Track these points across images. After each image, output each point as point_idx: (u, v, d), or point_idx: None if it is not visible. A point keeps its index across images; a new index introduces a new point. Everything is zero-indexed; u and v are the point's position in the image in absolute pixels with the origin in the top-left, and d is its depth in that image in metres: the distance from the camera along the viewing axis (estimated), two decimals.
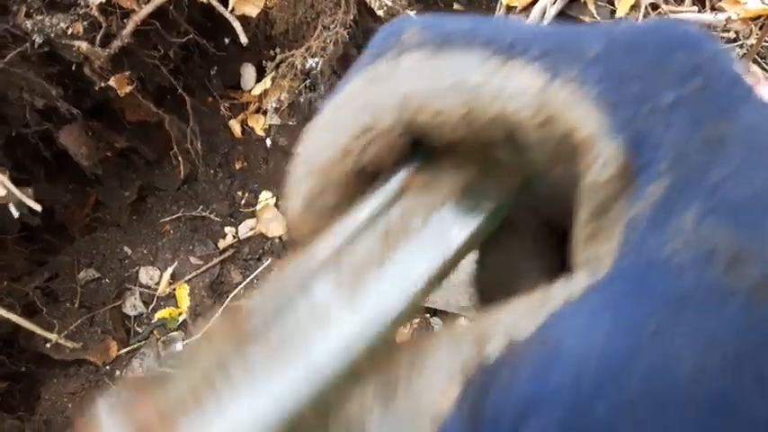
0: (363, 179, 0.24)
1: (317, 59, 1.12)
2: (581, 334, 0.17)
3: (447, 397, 0.20)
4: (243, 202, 1.58)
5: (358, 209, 0.24)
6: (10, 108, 1.21)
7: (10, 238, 1.32)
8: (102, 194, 1.49)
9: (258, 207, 1.56)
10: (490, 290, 0.26)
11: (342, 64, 1.24)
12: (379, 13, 1.12)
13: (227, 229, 1.53)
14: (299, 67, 1.15)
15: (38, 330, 1.32)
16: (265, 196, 1.57)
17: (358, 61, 0.23)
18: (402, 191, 0.25)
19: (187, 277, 1.47)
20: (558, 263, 0.24)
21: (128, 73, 1.28)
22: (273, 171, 1.57)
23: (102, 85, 1.26)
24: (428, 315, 1.37)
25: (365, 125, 0.23)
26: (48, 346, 1.34)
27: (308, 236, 0.24)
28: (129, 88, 1.28)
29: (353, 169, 0.24)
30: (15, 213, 1.15)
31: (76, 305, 1.40)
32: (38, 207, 1.14)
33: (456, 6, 1.30)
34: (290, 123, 1.54)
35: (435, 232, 0.24)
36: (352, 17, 1.13)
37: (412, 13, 1.09)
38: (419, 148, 0.24)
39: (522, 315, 0.20)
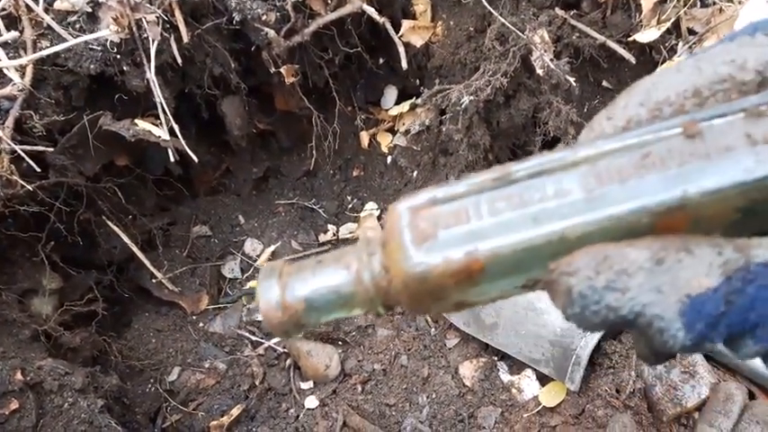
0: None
1: (471, 97, 1.22)
2: None
3: (705, 281, 0.27)
4: (350, 206, 1.69)
5: (635, 133, 0.29)
6: (192, 68, 1.37)
7: (151, 177, 1.47)
8: (233, 165, 1.63)
9: (362, 214, 1.66)
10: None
11: (486, 107, 1.34)
12: (539, 72, 1.22)
13: (330, 226, 1.64)
14: (452, 100, 1.26)
15: (149, 265, 1.45)
16: (371, 206, 1.67)
17: (723, 37, 0.30)
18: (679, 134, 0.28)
19: (285, 258, 1.57)
20: None
21: (297, 66, 1.42)
22: (385, 186, 1.68)
23: (273, 70, 1.40)
24: (495, 358, 1.42)
25: (724, 76, 0.28)
26: (153, 281, 1.46)
27: None
28: (293, 79, 1.42)
29: (688, 110, 0.28)
30: (172, 158, 1.29)
31: (184, 254, 1.53)
32: (195, 158, 1.28)
33: (605, 84, 1.39)
34: (414, 148, 1.65)
35: (675, 176, 0.28)
36: (512, 69, 1.24)
37: (572, 79, 1.18)
38: None
39: None
